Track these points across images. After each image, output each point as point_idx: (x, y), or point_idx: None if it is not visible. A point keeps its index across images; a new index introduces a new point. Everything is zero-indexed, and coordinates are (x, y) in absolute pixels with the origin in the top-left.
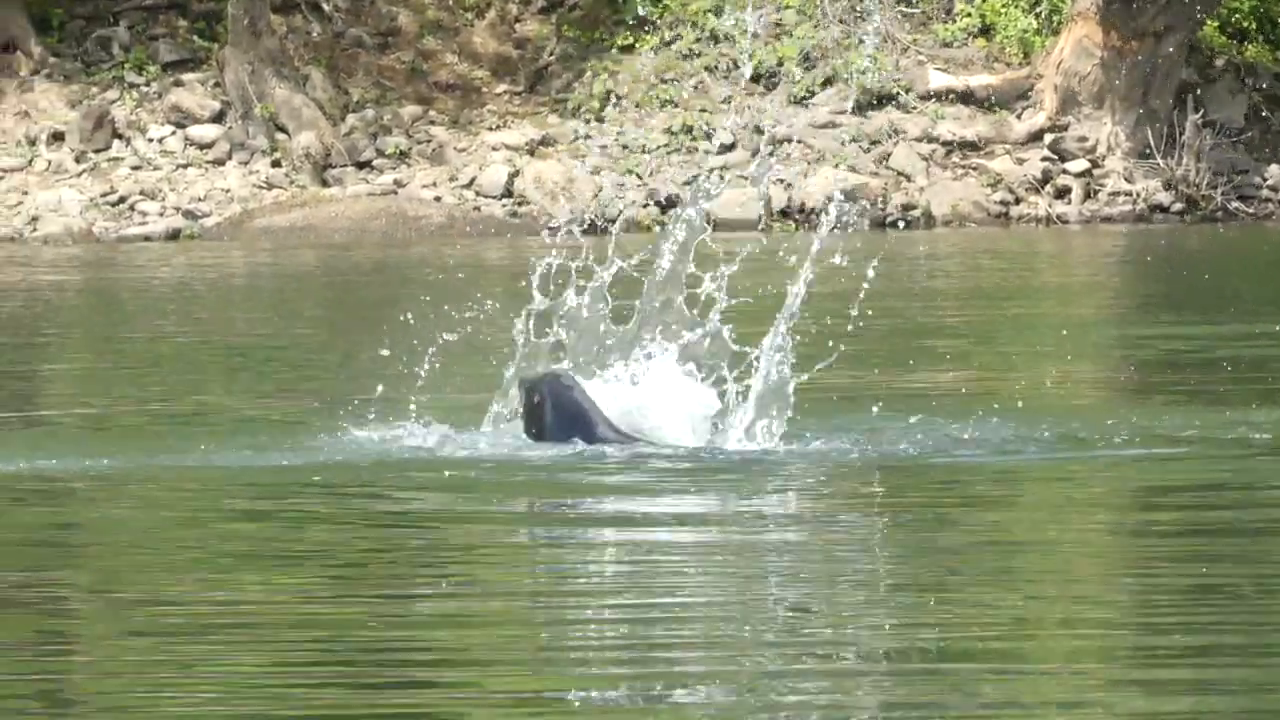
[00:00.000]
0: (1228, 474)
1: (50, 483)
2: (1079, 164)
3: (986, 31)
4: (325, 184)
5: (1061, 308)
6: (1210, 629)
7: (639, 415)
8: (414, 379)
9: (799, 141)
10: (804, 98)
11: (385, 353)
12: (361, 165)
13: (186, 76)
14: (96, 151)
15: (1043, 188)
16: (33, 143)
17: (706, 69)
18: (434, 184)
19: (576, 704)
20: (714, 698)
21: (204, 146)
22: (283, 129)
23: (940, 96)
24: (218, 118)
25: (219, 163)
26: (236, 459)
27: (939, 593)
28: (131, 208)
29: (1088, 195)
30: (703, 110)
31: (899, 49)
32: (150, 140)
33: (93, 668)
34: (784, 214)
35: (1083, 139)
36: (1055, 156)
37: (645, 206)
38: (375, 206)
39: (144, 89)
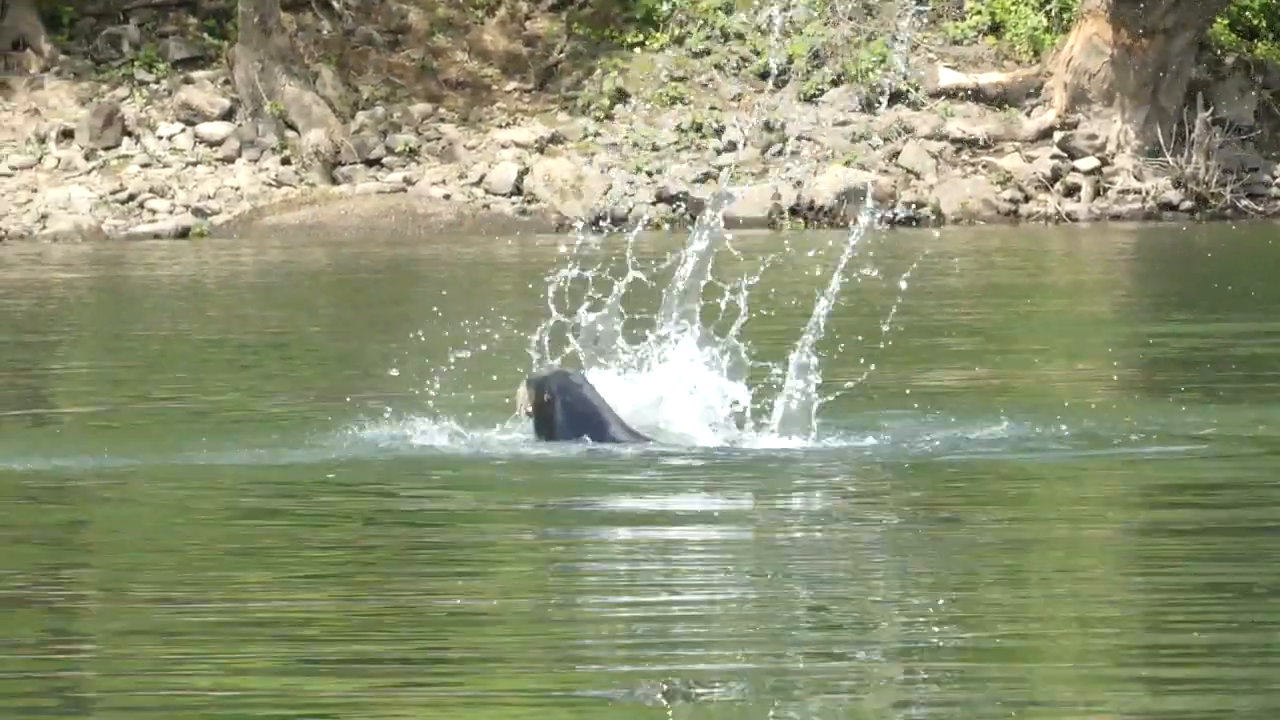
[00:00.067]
0: (1245, 472)
1: (61, 481)
2: (1088, 162)
3: (996, 29)
4: (335, 182)
5: (1075, 306)
6: (1224, 628)
7: (657, 411)
8: (427, 379)
9: (809, 139)
10: (814, 95)
11: (395, 373)
12: (371, 163)
13: (196, 74)
14: (106, 149)
15: (1052, 185)
16: (42, 140)
17: (716, 66)
18: (444, 182)
19: (594, 702)
20: (733, 696)
21: (214, 144)
22: (292, 126)
23: (950, 94)
24: (227, 115)
25: (229, 160)
26: (247, 457)
27: (953, 590)
28: (141, 205)
29: (1097, 193)
30: (713, 108)
31: (909, 47)
32: (160, 138)
33: (103, 666)
34: (794, 211)
35: (1092, 137)
36: (1065, 154)
37: (655, 204)
38: (385, 204)
39: (154, 86)
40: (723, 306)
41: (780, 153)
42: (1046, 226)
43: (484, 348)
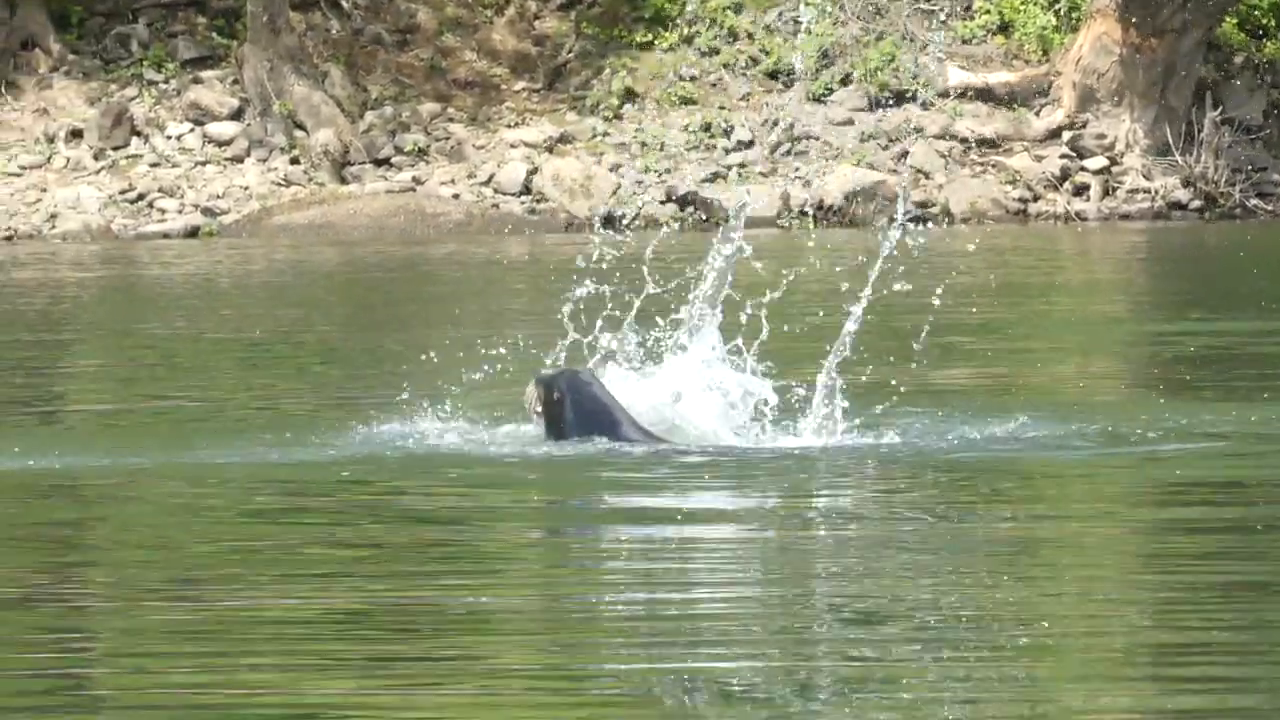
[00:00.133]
0: (1260, 470)
1: (72, 479)
2: (1097, 161)
3: (1005, 29)
4: (344, 181)
5: (1088, 305)
6: (1239, 626)
7: (674, 409)
8: (440, 378)
9: (817, 138)
10: (822, 95)
11: (405, 396)
12: (380, 162)
13: (205, 74)
14: (115, 149)
15: (1061, 185)
16: (51, 140)
17: (725, 66)
18: (452, 181)
19: (606, 701)
20: (747, 693)
21: (223, 144)
22: (301, 126)
23: (959, 93)
24: (236, 115)
25: (238, 160)
26: (259, 456)
27: (967, 588)
28: (150, 205)
29: (1106, 192)
30: (721, 107)
31: (918, 46)
32: (169, 137)
33: (112, 664)
34: (802, 211)
35: (1101, 136)
36: (1074, 154)
37: (664, 203)
38: (394, 204)
39: (163, 86)
40: (743, 321)
41: (789, 152)
42: (1055, 226)
43: (500, 367)
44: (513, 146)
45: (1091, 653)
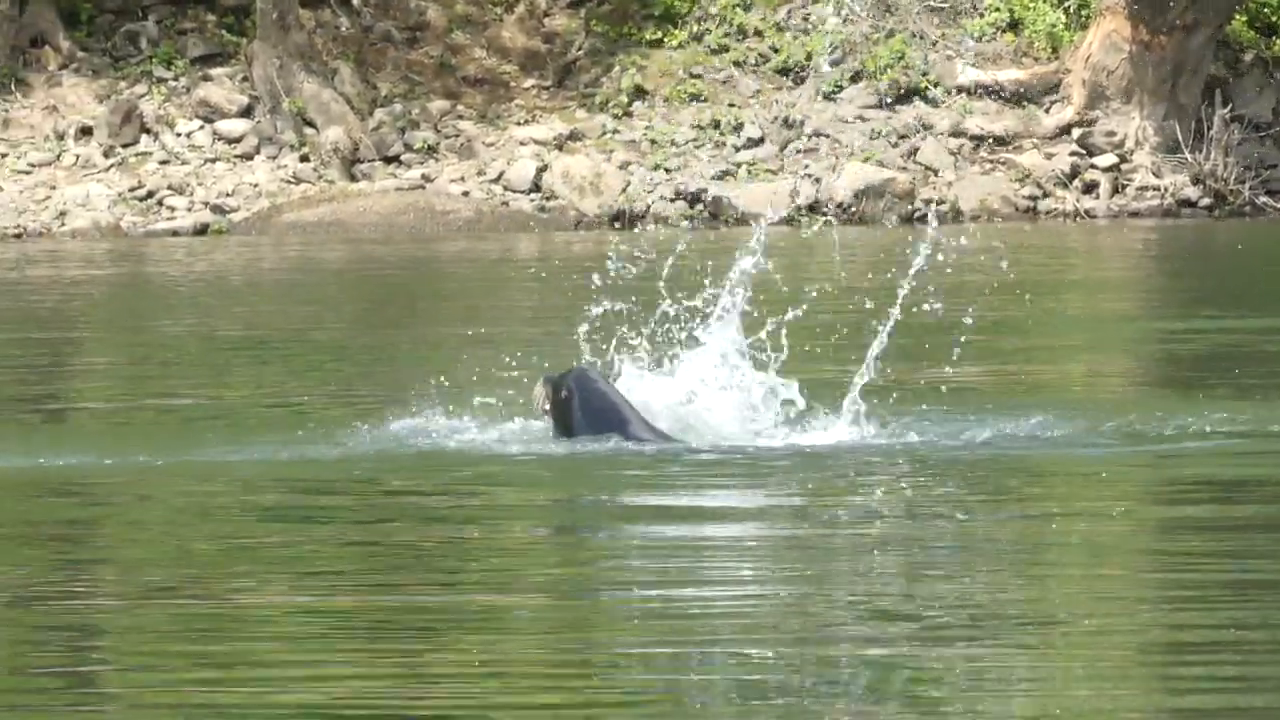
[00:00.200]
0: (1273, 469)
1: (81, 477)
2: (1107, 159)
3: (1015, 26)
4: (353, 179)
5: (1100, 302)
6: (1249, 625)
7: (690, 408)
8: (450, 377)
9: (826, 135)
10: (832, 92)
11: (415, 394)
12: (389, 160)
13: (215, 71)
14: (124, 146)
15: (1071, 182)
16: (61, 137)
17: (735, 63)
18: (462, 179)
19: (618, 700)
20: (759, 690)
21: (232, 141)
22: (311, 124)
23: (968, 91)
24: (246, 112)
25: (247, 157)
26: (269, 453)
27: (973, 585)
28: (159, 203)
29: (1115, 190)
30: (731, 105)
31: (928, 44)
32: (178, 135)
33: (120, 661)
34: (811, 208)
35: (1111, 134)
36: (1083, 151)
37: (673, 201)
38: (403, 201)
39: (172, 84)
40: (763, 337)
41: (799, 150)
42: (1065, 223)
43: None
44: (522, 144)
45: (1102, 651)
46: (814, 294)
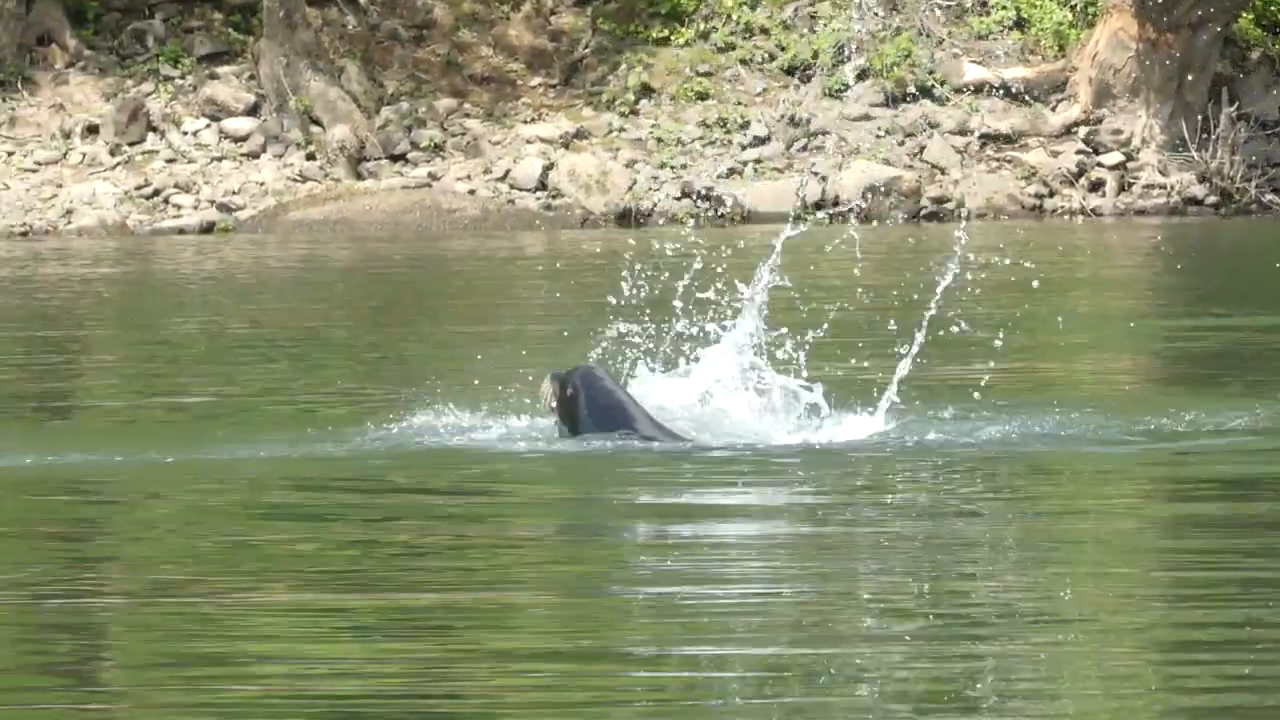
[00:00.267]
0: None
1: (89, 475)
2: (1113, 157)
3: (1021, 24)
4: (360, 177)
5: (1109, 300)
6: (1257, 623)
7: (704, 407)
8: (458, 376)
9: (833, 134)
10: (838, 90)
11: (422, 393)
12: (396, 158)
13: (221, 69)
14: (131, 144)
15: (1077, 180)
16: (67, 136)
17: (742, 61)
18: (468, 177)
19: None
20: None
21: (238, 139)
22: (317, 122)
23: (975, 89)
24: (252, 111)
25: (253, 156)
26: (277, 451)
27: (982, 582)
28: (166, 201)
29: (1122, 188)
30: (738, 103)
31: (934, 42)
32: (185, 133)
33: (127, 659)
34: (818, 206)
35: (1117, 132)
36: (1089, 149)
37: (679, 199)
38: (409, 199)
39: (179, 82)
40: (781, 356)
41: (805, 148)
42: (1071, 221)
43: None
44: (529, 142)
45: (1114, 649)
46: (834, 313)
